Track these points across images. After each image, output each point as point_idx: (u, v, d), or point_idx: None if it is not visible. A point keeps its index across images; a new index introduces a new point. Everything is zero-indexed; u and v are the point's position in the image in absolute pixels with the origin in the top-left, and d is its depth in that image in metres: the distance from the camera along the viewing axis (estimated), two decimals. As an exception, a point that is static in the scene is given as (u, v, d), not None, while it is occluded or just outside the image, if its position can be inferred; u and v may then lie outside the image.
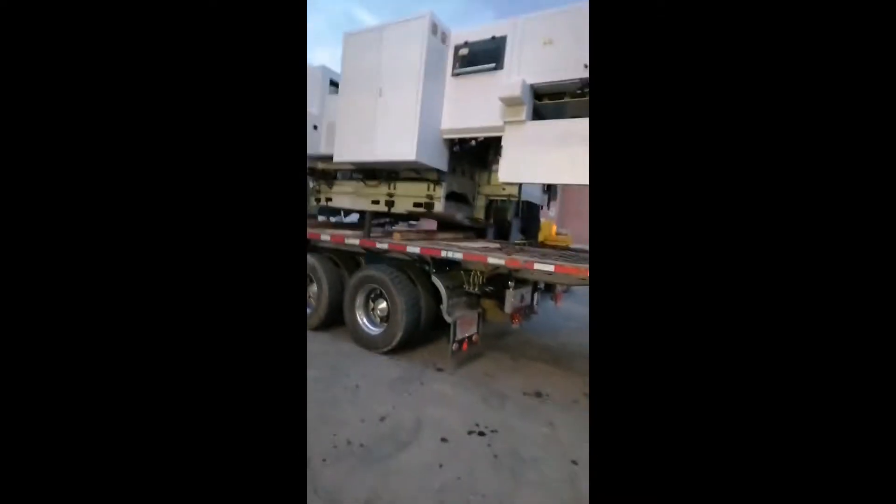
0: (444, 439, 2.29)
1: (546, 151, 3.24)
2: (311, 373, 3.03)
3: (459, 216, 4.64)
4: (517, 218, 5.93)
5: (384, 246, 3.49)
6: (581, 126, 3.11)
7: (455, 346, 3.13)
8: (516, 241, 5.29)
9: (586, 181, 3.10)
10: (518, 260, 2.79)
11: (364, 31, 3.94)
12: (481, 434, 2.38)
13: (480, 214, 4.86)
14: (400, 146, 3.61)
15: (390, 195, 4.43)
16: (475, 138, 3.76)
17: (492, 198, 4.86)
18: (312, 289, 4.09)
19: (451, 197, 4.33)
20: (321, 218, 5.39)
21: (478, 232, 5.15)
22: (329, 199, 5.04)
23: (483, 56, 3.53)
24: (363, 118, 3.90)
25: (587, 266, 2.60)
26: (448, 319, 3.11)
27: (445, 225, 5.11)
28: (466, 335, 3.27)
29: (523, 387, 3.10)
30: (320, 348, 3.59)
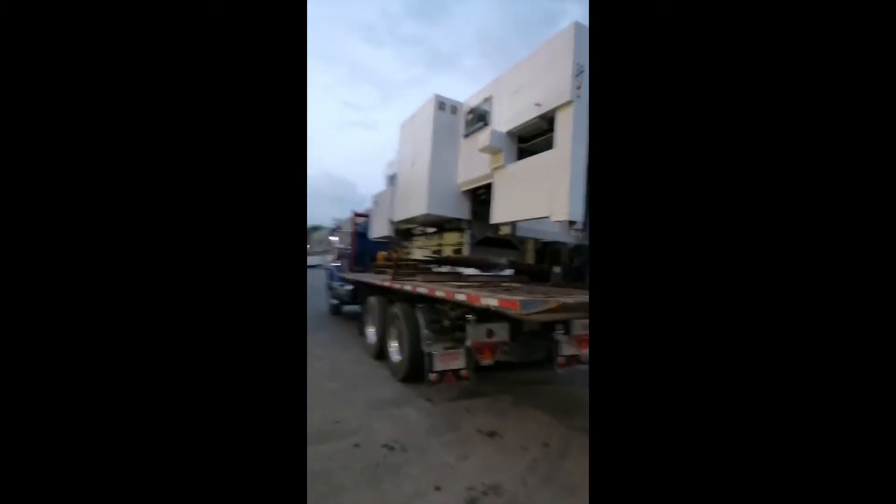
0: (356, 444, 2.65)
1: (521, 189, 3.36)
2: (330, 385, 3.85)
3: (503, 260, 4.83)
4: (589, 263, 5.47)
5: (397, 286, 4.14)
6: (540, 161, 3.15)
7: (434, 376, 3.36)
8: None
9: (546, 213, 3.04)
10: (451, 291, 2.96)
11: (408, 120, 5.01)
12: (391, 449, 2.61)
13: (529, 259, 4.87)
14: (417, 202, 4.33)
15: (439, 245, 5.08)
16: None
17: (544, 241, 4.85)
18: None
19: (488, 242, 4.63)
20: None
21: (533, 276, 5.08)
22: (410, 252, 6.06)
23: (480, 117, 4.00)
24: (404, 185, 4.85)
25: (499, 296, 2.57)
26: (424, 349, 3.41)
27: (516, 271, 5.24)
28: (451, 368, 3.44)
29: (486, 425, 3.03)
30: (360, 371, 4.39)
